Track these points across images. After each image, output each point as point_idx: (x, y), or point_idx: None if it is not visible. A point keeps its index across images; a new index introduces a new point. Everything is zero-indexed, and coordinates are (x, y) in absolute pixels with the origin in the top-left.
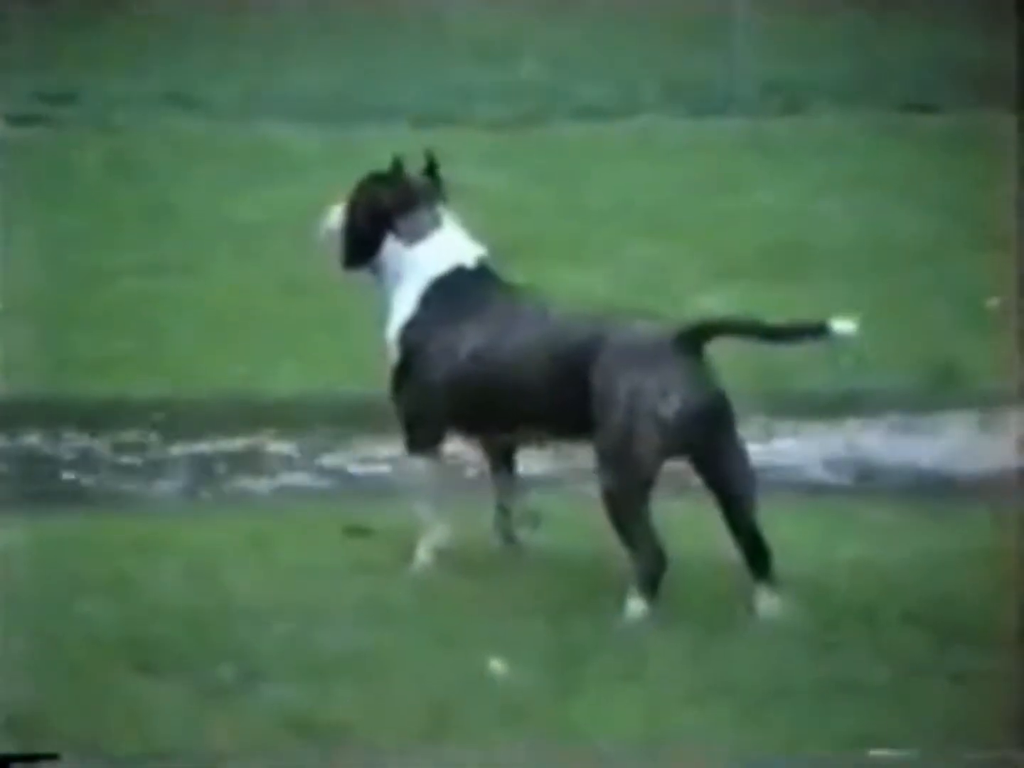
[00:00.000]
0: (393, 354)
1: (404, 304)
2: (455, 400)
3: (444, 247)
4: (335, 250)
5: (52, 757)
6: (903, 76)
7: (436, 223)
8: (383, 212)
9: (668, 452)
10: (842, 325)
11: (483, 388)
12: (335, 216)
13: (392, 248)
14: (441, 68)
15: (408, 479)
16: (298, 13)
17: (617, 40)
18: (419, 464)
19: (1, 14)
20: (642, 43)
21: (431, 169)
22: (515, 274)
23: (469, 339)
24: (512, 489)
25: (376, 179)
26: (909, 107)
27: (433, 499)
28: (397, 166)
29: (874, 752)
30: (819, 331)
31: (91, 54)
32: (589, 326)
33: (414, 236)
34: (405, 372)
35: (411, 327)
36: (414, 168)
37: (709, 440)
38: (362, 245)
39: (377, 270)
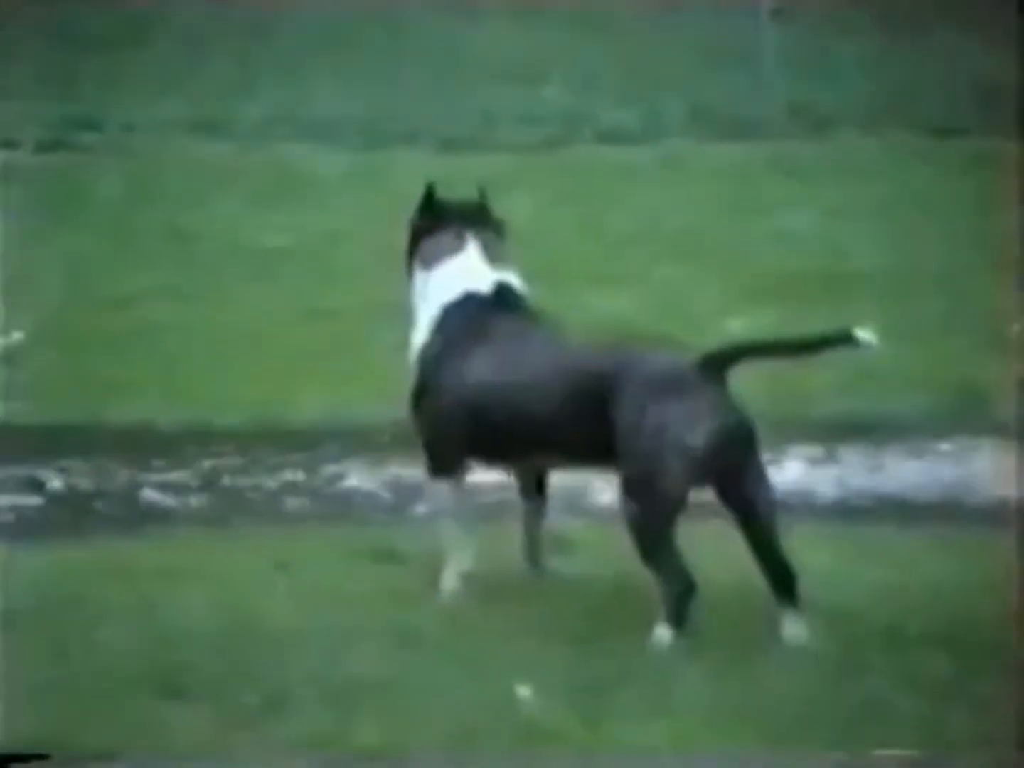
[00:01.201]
0: (412, 377)
1: (421, 328)
2: (468, 426)
3: (457, 272)
4: None
5: (43, 757)
6: (929, 100)
7: (457, 249)
8: (414, 236)
9: (695, 480)
10: (865, 334)
11: (495, 416)
12: None
13: (417, 271)
14: (465, 92)
15: (432, 504)
16: (320, 37)
17: (642, 63)
18: (441, 488)
19: (22, 42)
20: (667, 66)
21: (481, 201)
22: (539, 298)
23: (476, 367)
24: (542, 513)
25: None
26: (935, 131)
27: (456, 524)
28: (427, 191)
29: (879, 752)
30: (845, 340)
31: (112, 80)
32: (609, 355)
33: (432, 260)
34: (420, 396)
35: (425, 352)
36: (447, 193)
37: (734, 466)
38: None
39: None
